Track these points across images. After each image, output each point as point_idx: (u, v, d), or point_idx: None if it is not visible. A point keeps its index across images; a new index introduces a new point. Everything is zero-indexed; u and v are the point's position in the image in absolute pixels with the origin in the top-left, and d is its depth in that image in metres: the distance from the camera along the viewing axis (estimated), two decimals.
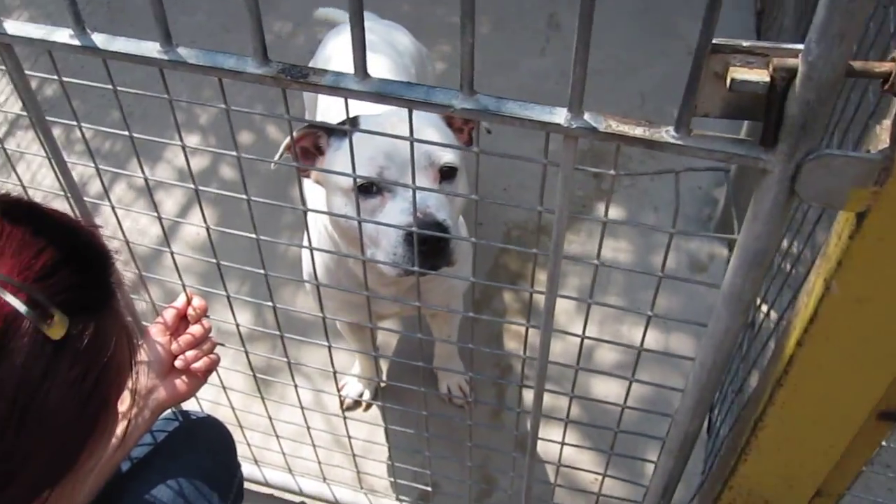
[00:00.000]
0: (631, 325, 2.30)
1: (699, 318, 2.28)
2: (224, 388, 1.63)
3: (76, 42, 1.02)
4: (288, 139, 1.50)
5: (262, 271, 1.27)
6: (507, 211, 2.56)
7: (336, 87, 0.95)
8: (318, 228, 1.70)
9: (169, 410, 1.46)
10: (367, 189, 1.44)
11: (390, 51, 2.09)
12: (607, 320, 2.30)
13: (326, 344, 1.37)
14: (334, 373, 1.46)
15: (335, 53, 2.12)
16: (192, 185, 1.20)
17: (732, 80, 0.82)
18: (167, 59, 1.00)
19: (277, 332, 1.41)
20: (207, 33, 3.15)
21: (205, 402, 1.71)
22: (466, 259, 1.64)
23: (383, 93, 0.94)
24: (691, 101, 0.87)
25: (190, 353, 1.39)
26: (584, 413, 2.15)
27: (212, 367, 1.43)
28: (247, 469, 1.93)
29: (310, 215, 1.81)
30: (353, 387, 2.19)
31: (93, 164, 1.26)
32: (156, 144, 2.73)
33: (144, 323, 1.50)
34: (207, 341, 1.43)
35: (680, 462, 1.36)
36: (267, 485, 1.94)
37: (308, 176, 1.58)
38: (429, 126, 1.51)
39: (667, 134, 0.90)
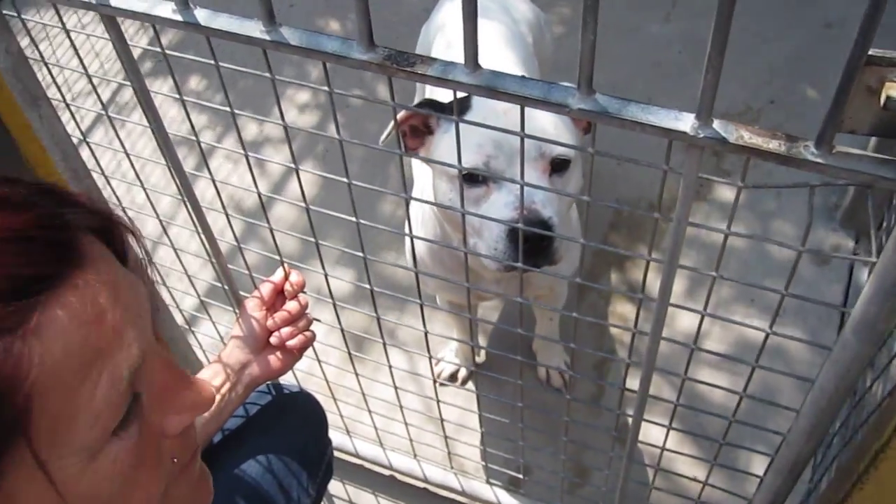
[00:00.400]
0: (742, 315, 2.18)
1: (819, 314, 2.19)
2: (319, 360, 1.60)
3: (178, 17, 0.99)
4: (397, 117, 1.44)
5: (359, 225, 1.22)
6: (617, 185, 2.46)
7: (444, 79, 0.89)
8: (423, 205, 1.65)
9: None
10: (473, 177, 1.38)
11: (505, 17, 2.01)
12: (718, 308, 2.20)
13: (419, 301, 1.32)
14: (426, 338, 1.41)
15: (449, 20, 2.05)
16: (292, 165, 1.15)
17: (888, 97, 0.73)
18: (269, 40, 0.95)
19: (375, 294, 1.37)
20: None
21: (299, 371, 1.70)
22: (573, 252, 1.56)
23: (494, 87, 0.88)
24: (837, 116, 0.77)
25: (285, 330, 1.37)
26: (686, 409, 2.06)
27: (307, 344, 1.40)
28: (338, 439, 1.92)
29: (414, 188, 1.76)
30: (449, 365, 2.16)
31: (194, 137, 1.22)
32: (263, 100, 2.72)
33: (243, 293, 1.49)
34: (303, 318, 1.40)
35: (788, 482, 1.27)
36: (357, 456, 1.93)
37: (417, 153, 1.53)
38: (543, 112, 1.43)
39: (805, 150, 0.81)
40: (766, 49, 2.76)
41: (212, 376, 1.34)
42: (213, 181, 1.28)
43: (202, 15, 0.99)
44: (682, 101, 2.60)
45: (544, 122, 1.39)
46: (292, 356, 1.40)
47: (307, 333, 1.40)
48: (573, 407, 2.14)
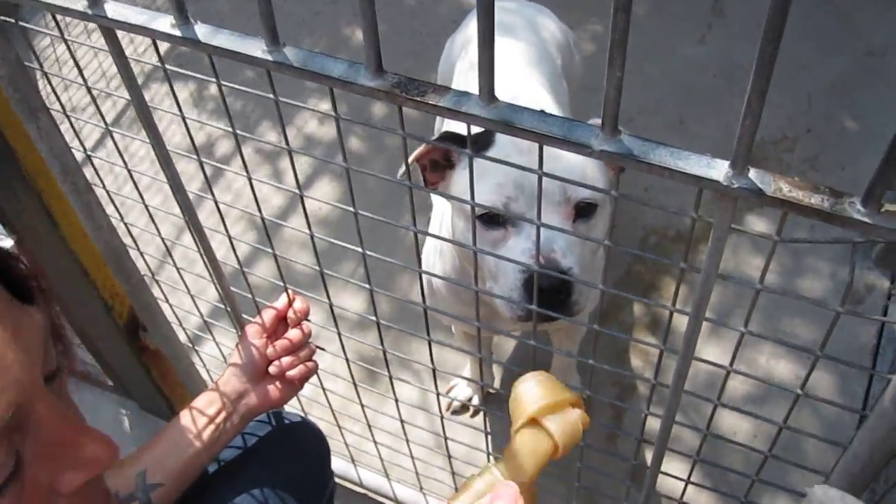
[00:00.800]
0: (769, 355, 2.09)
1: (851, 355, 2.09)
2: (324, 388, 1.54)
3: (177, 32, 0.93)
4: (415, 153, 1.37)
5: (371, 254, 1.15)
6: (644, 213, 2.38)
7: (457, 111, 0.82)
8: (443, 235, 1.58)
9: None
10: (492, 218, 1.30)
11: (533, 37, 1.93)
12: (744, 345, 2.10)
13: (426, 338, 1.25)
14: (434, 375, 1.33)
15: (475, 37, 1.97)
16: (296, 191, 1.09)
17: None
18: (271, 61, 0.89)
19: (388, 321, 1.29)
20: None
21: (304, 396, 1.63)
22: (595, 292, 1.48)
23: (511, 122, 0.81)
24: (890, 171, 0.69)
25: (285, 360, 1.31)
26: (706, 446, 1.97)
27: (308, 375, 1.34)
28: (342, 467, 1.85)
29: (434, 218, 1.69)
30: (462, 390, 2.08)
31: (195, 157, 1.16)
32: (283, 108, 2.66)
33: (247, 317, 1.43)
34: (305, 347, 1.34)
35: None
36: (361, 485, 1.86)
37: (436, 188, 1.45)
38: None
39: (851, 207, 0.73)
40: (805, 76, 2.67)
41: (206, 405, 1.28)
42: (217, 204, 1.21)
43: (202, 31, 0.93)
44: (715, 127, 2.52)
45: (572, 163, 1.26)
46: (292, 387, 1.34)
47: (309, 364, 1.33)
48: (590, 432, 2.07)
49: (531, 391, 0.74)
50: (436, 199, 1.73)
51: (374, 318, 1.23)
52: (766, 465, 1.11)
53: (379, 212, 1.07)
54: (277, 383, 1.32)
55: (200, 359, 1.82)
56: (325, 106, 2.68)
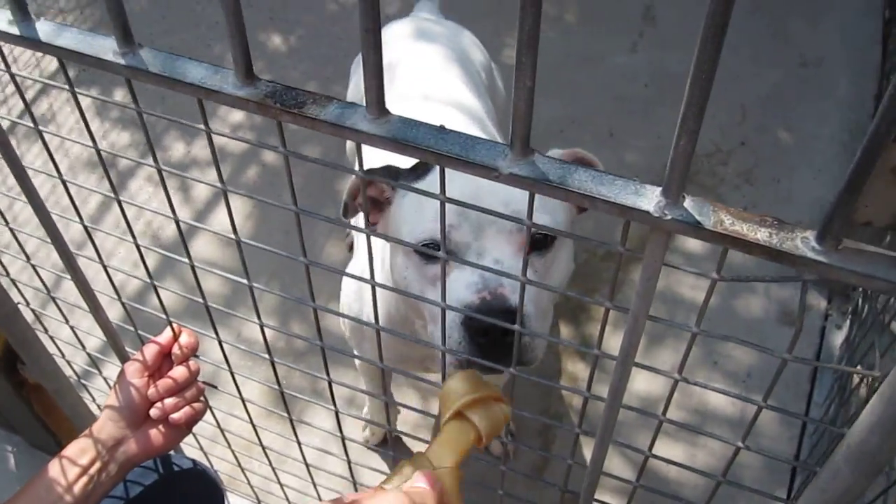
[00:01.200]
0: (706, 378, 2.00)
1: (787, 382, 2.00)
2: (222, 430, 1.39)
3: (14, 31, 0.78)
4: (347, 191, 1.22)
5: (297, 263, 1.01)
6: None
7: (340, 126, 0.69)
8: (383, 270, 1.42)
9: None
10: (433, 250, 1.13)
11: (456, 46, 1.80)
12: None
13: (333, 409, 1.11)
14: (342, 439, 1.19)
15: (392, 42, 1.82)
16: (219, 185, 0.93)
17: None
18: (124, 65, 0.74)
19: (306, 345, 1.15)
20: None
21: (203, 437, 1.48)
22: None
23: (403, 139, 0.68)
24: (849, 205, 0.58)
25: (169, 402, 1.15)
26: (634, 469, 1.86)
27: (195, 418, 1.19)
28: None
29: (354, 264, 1.52)
30: (375, 427, 1.93)
31: (57, 175, 1.01)
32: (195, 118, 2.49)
33: (130, 350, 1.28)
34: (192, 387, 1.19)
35: None
36: None
37: (375, 229, 1.29)
38: None
39: (804, 244, 0.62)
40: (738, 87, 2.59)
41: (78, 454, 1.12)
42: (100, 260, 1.06)
43: (45, 29, 0.78)
44: (646, 139, 2.43)
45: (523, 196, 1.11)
46: (178, 431, 1.19)
47: (196, 405, 1.18)
48: (511, 479, 1.96)
49: (458, 387, 0.79)
50: (362, 244, 1.55)
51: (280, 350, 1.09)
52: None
53: (292, 228, 0.92)
54: (161, 427, 1.17)
55: (90, 394, 1.66)
56: (238, 115, 2.52)
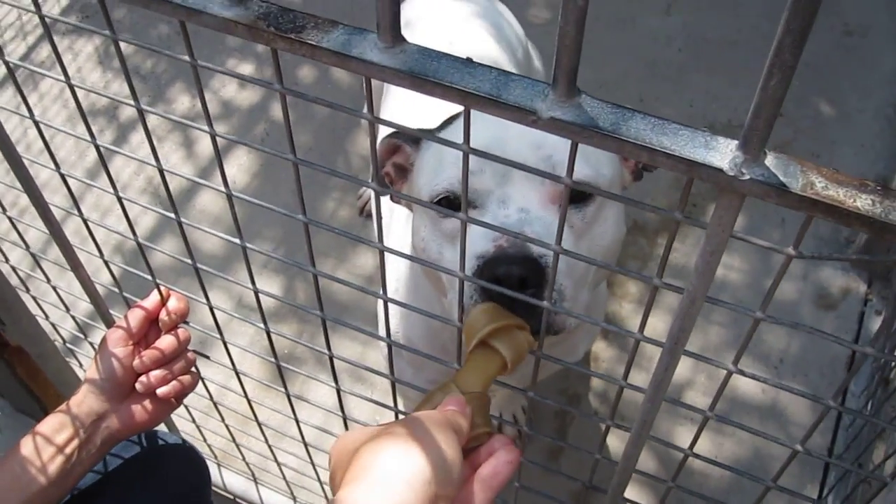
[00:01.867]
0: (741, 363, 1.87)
1: (821, 368, 1.88)
2: (215, 404, 1.28)
3: None
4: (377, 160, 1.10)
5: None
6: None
7: (345, 55, 0.57)
8: (399, 271, 1.30)
9: None
10: (450, 203, 0.99)
11: (493, 20, 1.65)
12: (706, 351, 1.89)
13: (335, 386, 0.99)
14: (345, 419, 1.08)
15: (424, 11, 1.67)
16: (209, 129, 0.82)
17: None
18: None
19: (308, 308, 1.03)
20: None
21: (196, 409, 1.37)
22: (587, 334, 1.14)
23: (421, 73, 0.56)
24: None
25: (156, 374, 1.04)
26: (661, 464, 1.76)
27: (184, 392, 1.08)
28: (241, 485, 1.60)
29: (394, 242, 1.36)
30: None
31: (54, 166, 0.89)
32: (200, 72, 2.37)
33: (114, 314, 1.17)
34: (181, 358, 1.08)
35: None
36: None
37: (397, 200, 1.17)
38: None
39: None
40: None
41: (54, 430, 1.02)
42: (79, 212, 0.94)
43: None
44: (678, 106, 2.30)
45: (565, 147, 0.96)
46: (166, 405, 1.08)
47: (184, 379, 1.07)
48: (531, 446, 1.85)
49: (481, 318, 0.79)
50: (394, 241, 1.39)
51: (290, 304, 0.98)
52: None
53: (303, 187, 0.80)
54: (147, 401, 1.06)
55: (77, 360, 1.56)
56: (248, 67, 2.39)
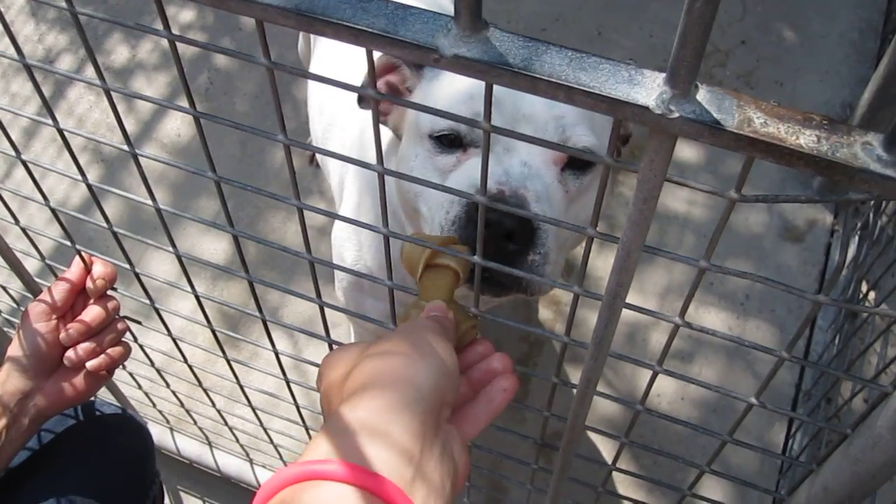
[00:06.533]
0: (699, 303, 1.84)
1: (788, 304, 1.85)
2: (159, 372, 1.22)
3: None
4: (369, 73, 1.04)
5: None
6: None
7: None
8: (369, 196, 1.23)
9: None
10: (450, 141, 0.97)
11: None
12: (670, 291, 1.85)
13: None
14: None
15: None
16: (192, 111, 0.75)
17: None
18: None
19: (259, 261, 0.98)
20: None
21: (142, 377, 1.31)
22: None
23: (308, 11, 0.49)
24: None
25: (85, 346, 0.98)
26: (624, 413, 1.72)
27: (113, 364, 1.02)
28: (195, 450, 1.56)
29: (345, 209, 1.31)
30: None
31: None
32: (140, 18, 2.26)
33: (40, 283, 1.10)
34: (111, 329, 1.01)
35: None
36: (219, 472, 1.56)
37: (386, 121, 1.10)
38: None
39: (866, 152, 0.44)
40: None
41: None
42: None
43: None
44: (637, 38, 2.23)
45: (574, 116, 0.95)
46: (97, 378, 1.02)
47: (114, 351, 1.01)
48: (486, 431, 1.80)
49: (416, 248, 0.78)
50: (349, 184, 1.33)
51: (239, 269, 0.92)
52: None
53: (249, 139, 0.73)
54: (76, 376, 1.01)
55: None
56: (188, 15, 2.28)
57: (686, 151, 2.03)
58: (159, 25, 0.58)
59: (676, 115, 0.45)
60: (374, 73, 0.55)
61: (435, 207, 0.94)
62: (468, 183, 0.91)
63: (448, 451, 0.58)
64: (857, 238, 1.79)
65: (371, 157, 0.63)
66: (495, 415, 0.70)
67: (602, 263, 1.89)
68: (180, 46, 0.60)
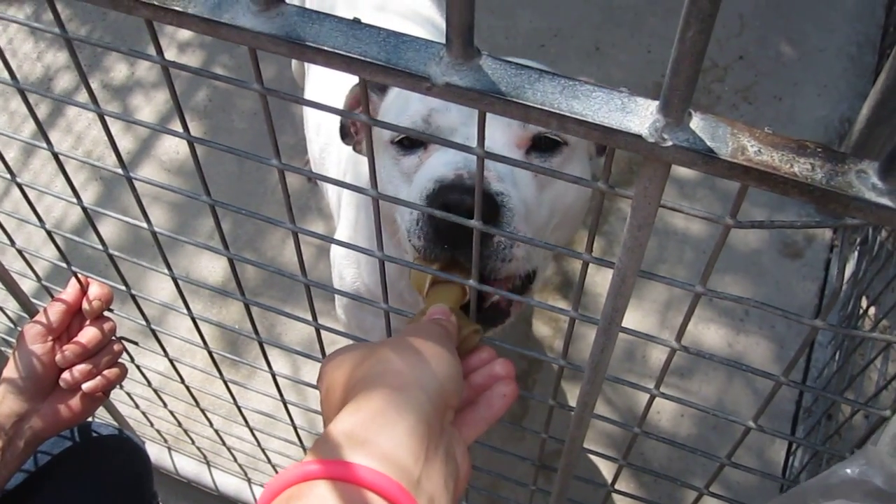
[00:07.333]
0: (698, 319, 1.83)
1: (787, 320, 1.83)
2: (158, 394, 1.22)
3: None
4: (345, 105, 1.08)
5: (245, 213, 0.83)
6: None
7: (215, 22, 0.50)
8: (364, 218, 1.24)
9: None
10: (410, 142, 0.98)
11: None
12: (670, 307, 1.84)
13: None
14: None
15: None
16: (185, 135, 0.75)
17: None
18: None
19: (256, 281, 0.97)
20: None
21: (140, 397, 1.31)
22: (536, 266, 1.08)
23: (299, 39, 0.49)
24: None
25: (81, 368, 0.98)
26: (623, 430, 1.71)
27: (110, 386, 1.02)
28: (193, 469, 1.55)
29: (343, 228, 1.32)
30: None
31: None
32: (139, 35, 2.27)
33: (36, 303, 1.10)
34: (107, 350, 1.01)
35: None
36: (217, 491, 1.55)
37: (361, 150, 1.13)
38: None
39: (861, 181, 0.44)
40: None
41: None
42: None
43: None
44: (636, 53, 2.23)
45: None
46: (93, 400, 1.02)
47: (110, 373, 1.01)
48: (484, 452, 1.79)
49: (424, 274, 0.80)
50: (344, 206, 1.34)
51: (235, 290, 0.91)
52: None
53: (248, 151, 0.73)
54: (72, 398, 1.00)
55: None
56: (187, 32, 2.29)
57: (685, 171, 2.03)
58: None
59: (670, 143, 0.44)
60: (367, 101, 0.55)
61: (404, 213, 0.94)
62: (430, 177, 0.89)
63: (451, 453, 0.58)
64: (856, 254, 1.79)
65: (366, 173, 0.63)
66: (495, 419, 0.70)
67: (602, 279, 1.88)
68: (180, 58, 0.60)
